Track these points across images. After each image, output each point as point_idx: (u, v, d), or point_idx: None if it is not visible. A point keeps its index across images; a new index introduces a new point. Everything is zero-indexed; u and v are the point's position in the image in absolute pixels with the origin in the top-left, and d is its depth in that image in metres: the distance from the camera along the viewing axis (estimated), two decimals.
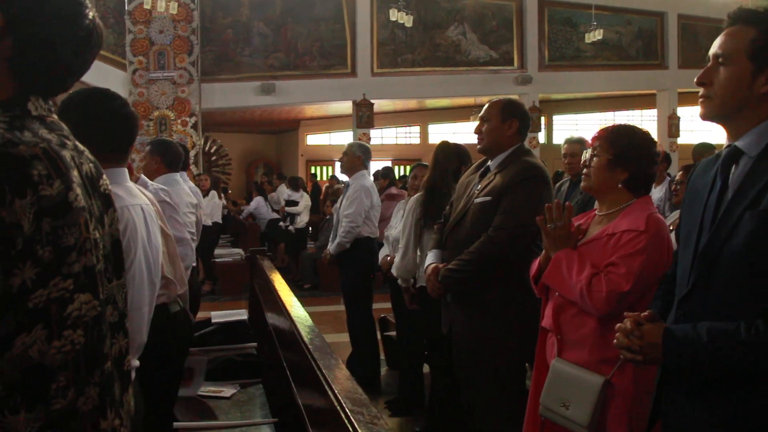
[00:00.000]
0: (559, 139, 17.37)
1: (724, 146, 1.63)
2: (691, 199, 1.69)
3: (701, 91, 1.61)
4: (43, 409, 0.87)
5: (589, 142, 2.25)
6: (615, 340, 1.65)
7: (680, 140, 14.35)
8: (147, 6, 10.45)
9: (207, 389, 3.23)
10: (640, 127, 2.26)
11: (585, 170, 2.20)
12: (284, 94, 12.29)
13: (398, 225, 4.39)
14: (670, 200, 5.10)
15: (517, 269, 2.63)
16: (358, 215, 4.92)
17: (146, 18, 11.09)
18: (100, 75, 10.85)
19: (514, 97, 13.38)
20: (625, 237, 2.07)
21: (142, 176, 3.41)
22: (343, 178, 5.42)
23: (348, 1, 12.47)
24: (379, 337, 5.31)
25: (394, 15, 11.56)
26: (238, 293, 8.21)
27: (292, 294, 3.28)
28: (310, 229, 11.24)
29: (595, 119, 18.42)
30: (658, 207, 5.60)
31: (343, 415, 1.59)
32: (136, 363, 1.91)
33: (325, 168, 18.86)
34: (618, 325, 1.66)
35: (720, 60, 1.55)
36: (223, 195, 10.74)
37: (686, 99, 14.19)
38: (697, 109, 1.65)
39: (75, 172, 0.98)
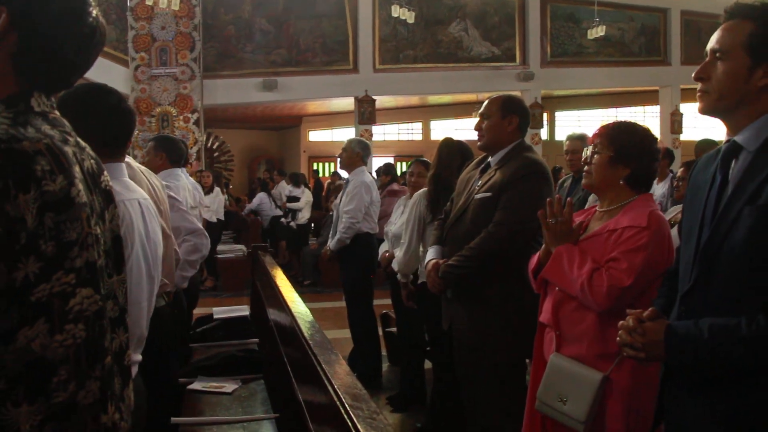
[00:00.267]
0: (561, 135, 17.33)
1: (724, 141, 1.64)
2: (692, 194, 1.69)
3: (699, 86, 1.61)
4: (45, 402, 0.89)
5: (590, 139, 2.25)
6: (617, 338, 1.66)
7: (683, 137, 14.34)
8: (149, 2, 10.44)
9: (208, 385, 3.24)
10: (640, 123, 2.26)
11: (586, 167, 2.21)
12: (286, 90, 12.31)
13: (398, 221, 4.40)
14: (672, 196, 5.11)
15: (516, 265, 2.64)
16: (358, 211, 4.94)
17: (148, 14, 11.09)
18: (103, 71, 10.85)
19: (516, 93, 13.36)
20: (626, 233, 2.08)
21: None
22: (345, 174, 5.46)
23: None
24: (380, 333, 5.33)
25: (396, 11, 11.56)
26: (240, 289, 8.23)
27: (293, 290, 3.28)
28: (312, 225, 11.24)
29: (598, 115, 18.40)
30: (661, 203, 5.60)
31: (342, 410, 1.59)
32: (138, 358, 1.92)
33: (327, 164, 18.86)
34: (620, 322, 1.67)
35: (717, 55, 1.55)
36: (225, 191, 10.74)
37: (689, 95, 14.12)
38: None
39: (77, 168, 0.99)
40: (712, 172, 1.62)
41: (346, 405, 1.60)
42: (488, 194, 2.80)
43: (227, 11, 12.02)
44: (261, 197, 11.47)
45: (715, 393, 1.50)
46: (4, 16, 0.99)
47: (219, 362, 3.49)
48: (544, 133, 14.35)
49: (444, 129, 17.72)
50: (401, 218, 4.34)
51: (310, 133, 18.99)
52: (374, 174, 9.14)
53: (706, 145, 5.28)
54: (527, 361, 2.80)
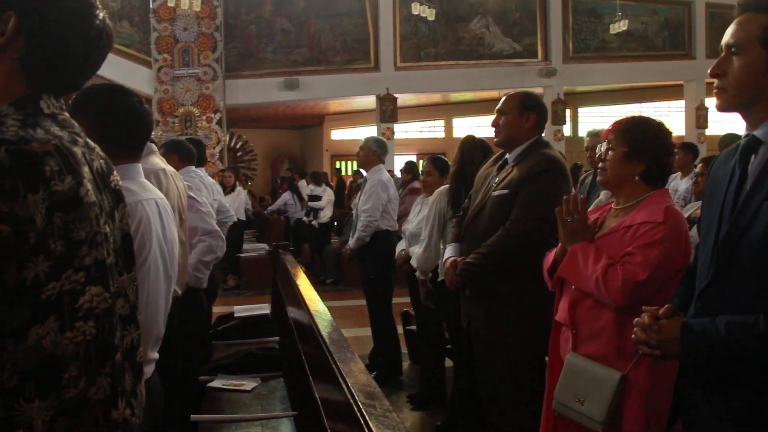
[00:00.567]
0: (584, 131, 17.11)
1: (743, 136, 1.61)
2: (711, 190, 1.67)
3: (716, 82, 1.59)
4: (56, 398, 0.90)
5: (603, 135, 2.23)
6: (633, 335, 1.64)
7: (708, 131, 14.15)
8: (171, 4, 10.54)
9: (228, 382, 3.27)
10: (654, 118, 2.23)
11: (600, 164, 2.18)
12: (308, 89, 12.35)
13: (415, 219, 4.39)
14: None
15: (532, 261, 2.62)
16: (376, 209, 4.95)
17: (171, 16, 11.19)
18: (126, 73, 11.00)
19: (538, 89, 13.25)
20: (642, 228, 2.05)
21: None
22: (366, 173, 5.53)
23: None
24: (401, 331, 5.33)
25: (417, 9, 11.54)
26: (263, 288, 8.28)
27: (312, 288, 3.30)
28: (335, 223, 11.27)
29: (622, 111, 18.19)
30: (685, 198, 5.54)
31: (355, 408, 1.60)
32: (155, 355, 1.93)
33: (349, 163, 18.87)
34: (636, 320, 1.65)
35: (733, 50, 1.53)
36: (246, 188, 10.81)
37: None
38: None
39: (86, 168, 1.01)
40: (731, 167, 1.60)
41: (359, 403, 1.61)
42: (505, 191, 2.79)
43: (248, 11, 12.10)
44: (286, 197, 11.51)
45: (731, 390, 1.48)
46: (12, 20, 1.01)
47: (239, 360, 3.52)
48: (566, 130, 14.22)
49: (466, 126, 17.63)
50: (418, 216, 4.34)
51: (333, 131, 19.02)
52: (397, 173, 9.15)
53: (730, 139, 5.21)
54: (546, 359, 2.79)
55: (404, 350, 5.32)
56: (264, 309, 4.67)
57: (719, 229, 1.55)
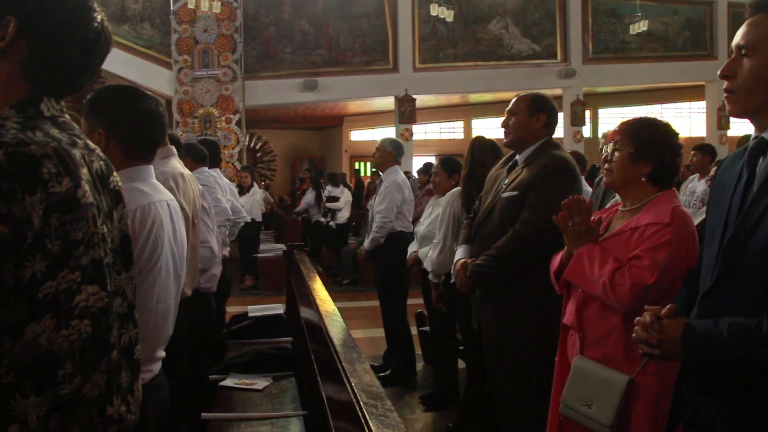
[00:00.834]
0: None
1: (751, 138, 1.60)
2: (717, 193, 1.65)
3: (725, 85, 1.57)
4: (51, 394, 0.93)
5: (610, 136, 2.22)
6: (633, 334, 1.63)
7: (730, 132, 13.97)
8: (191, 6, 10.64)
9: (240, 381, 3.30)
10: (660, 119, 2.22)
11: (606, 165, 2.17)
12: (326, 90, 12.41)
13: (426, 221, 4.39)
14: None
15: (542, 263, 2.61)
16: (390, 211, 4.96)
17: (191, 17, 11.31)
18: (147, 74, 11.14)
19: (557, 91, 13.13)
20: (649, 230, 2.04)
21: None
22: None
23: None
24: (416, 332, 5.34)
25: (435, 10, 11.54)
26: (280, 288, 8.28)
27: (324, 288, 3.31)
28: (353, 224, 11.30)
29: (642, 112, 17.95)
30: (703, 200, 5.49)
31: (357, 407, 1.61)
32: (162, 354, 1.96)
33: (368, 164, 18.89)
34: (637, 318, 1.64)
35: (743, 51, 1.51)
36: (263, 188, 10.84)
37: None
38: None
39: (85, 170, 1.03)
40: (738, 169, 1.59)
41: (361, 402, 1.62)
42: (515, 192, 2.79)
43: (268, 13, 12.18)
44: (309, 201, 11.54)
45: (734, 393, 1.47)
46: (12, 24, 1.03)
47: (251, 359, 3.55)
48: (586, 131, 14.12)
49: (486, 128, 17.59)
50: (429, 218, 4.33)
51: (352, 132, 19.08)
52: (416, 174, 9.15)
53: (749, 141, 5.14)
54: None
55: (418, 351, 5.32)
56: (278, 309, 4.69)
57: (725, 231, 1.53)
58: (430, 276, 4.02)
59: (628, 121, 2.20)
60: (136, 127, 1.98)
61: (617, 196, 3.80)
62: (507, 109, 2.94)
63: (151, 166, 2.10)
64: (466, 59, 13.08)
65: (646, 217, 2.08)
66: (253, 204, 9.09)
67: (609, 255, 2.08)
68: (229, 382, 3.31)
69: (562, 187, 2.70)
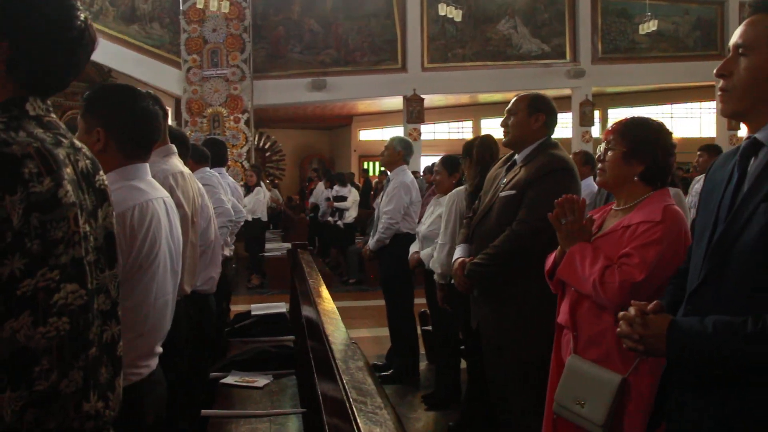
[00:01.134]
0: None
1: (744, 138, 1.60)
2: (708, 192, 1.65)
3: (720, 83, 1.57)
4: (26, 389, 0.94)
5: (604, 135, 2.22)
6: (618, 329, 1.62)
7: (740, 133, 13.87)
8: (200, 5, 10.69)
9: (240, 379, 3.32)
10: (654, 118, 2.22)
11: (600, 165, 2.18)
12: (335, 90, 12.42)
13: (428, 220, 4.38)
14: None
15: (539, 262, 2.61)
16: (397, 212, 4.95)
17: (200, 17, 11.36)
18: (156, 73, 11.20)
19: (567, 91, 13.05)
20: (640, 228, 2.04)
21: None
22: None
23: None
24: (418, 331, 5.34)
25: (443, 10, 11.53)
26: (286, 287, 8.33)
27: (324, 287, 3.33)
28: (361, 223, 11.32)
29: (652, 113, 17.92)
30: None
31: (347, 404, 1.62)
32: (159, 350, 1.98)
33: (377, 163, 18.90)
34: (621, 313, 1.63)
35: (740, 50, 1.51)
36: (270, 188, 10.85)
37: None
38: None
39: (68, 169, 1.05)
40: (729, 169, 1.59)
41: (351, 399, 1.62)
42: (513, 192, 2.79)
43: (276, 12, 12.21)
44: (320, 190, 11.56)
45: (718, 391, 1.47)
46: None
47: (252, 357, 3.57)
48: (595, 131, 14.06)
49: (495, 128, 17.51)
50: (431, 217, 4.32)
51: (361, 132, 19.10)
52: (421, 174, 9.15)
53: None
54: None
55: (422, 351, 5.32)
56: (281, 308, 4.72)
57: (714, 230, 1.53)
58: (436, 277, 4.00)
59: (622, 120, 2.20)
60: (134, 126, 2.00)
61: None
62: (506, 108, 2.94)
63: (147, 164, 2.12)
64: (475, 59, 13.05)
65: (638, 215, 2.08)
66: (256, 203, 9.11)
67: (600, 253, 2.08)
68: (230, 379, 3.33)
69: (559, 186, 2.69)
